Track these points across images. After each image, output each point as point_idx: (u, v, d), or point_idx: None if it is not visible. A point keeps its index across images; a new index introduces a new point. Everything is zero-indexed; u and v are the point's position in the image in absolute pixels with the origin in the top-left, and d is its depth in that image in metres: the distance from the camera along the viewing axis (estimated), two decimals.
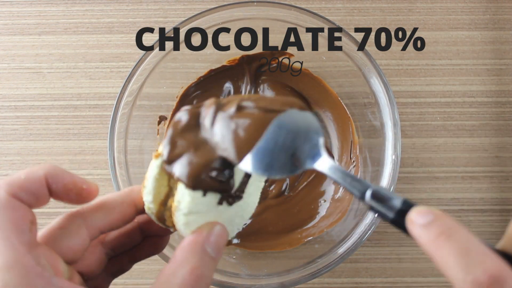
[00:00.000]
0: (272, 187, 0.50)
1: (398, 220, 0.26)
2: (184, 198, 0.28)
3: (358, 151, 0.49)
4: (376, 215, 0.30)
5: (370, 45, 0.53)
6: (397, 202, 0.27)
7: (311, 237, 0.47)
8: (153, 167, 0.30)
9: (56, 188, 0.28)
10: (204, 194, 0.28)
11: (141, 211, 0.31)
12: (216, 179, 0.28)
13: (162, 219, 0.30)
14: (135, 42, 0.53)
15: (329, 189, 0.49)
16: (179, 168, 0.29)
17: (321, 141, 0.30)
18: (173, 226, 0.30)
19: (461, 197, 0.51)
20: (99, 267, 0.31)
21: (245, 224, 0.30)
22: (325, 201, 0.49)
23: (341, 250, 0.42)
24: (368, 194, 0.27)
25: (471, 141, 0.52)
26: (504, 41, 0.53)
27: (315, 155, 0.29)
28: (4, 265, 0.25)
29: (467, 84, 0.53)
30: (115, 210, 0.30)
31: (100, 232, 0.30)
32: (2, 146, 0.52)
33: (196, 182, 0.28)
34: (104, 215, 0.30)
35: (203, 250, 0.28)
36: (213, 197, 0.29)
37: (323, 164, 0.29)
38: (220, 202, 0.29)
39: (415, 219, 0.26)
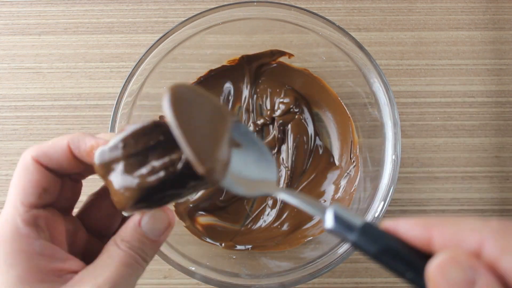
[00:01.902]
0: None
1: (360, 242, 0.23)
2: None
3: (358, 151, 0.49)
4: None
5: (370, 45, 0.53)
6: (357, 222, 0.24)
7: (311, 237, 0.47)
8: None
9: (78, 154, 0.29)
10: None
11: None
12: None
13: None
14: (135, 42, 0.53)
15: (329, 189, 0.49)
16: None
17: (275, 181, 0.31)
18: None
19: (461, 197, 0.51)
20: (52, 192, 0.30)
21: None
22: (325, 201, 0.49)
23: (341, 250, 0.42)
24: (328, 216, 0.25)
25: (471, 141, 0.52)
26: (504, 41, 0.53)
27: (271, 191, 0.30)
28: (1, 218, 0.28)
29: (467, 84, 0.53)
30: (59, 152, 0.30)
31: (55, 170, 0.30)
32: (2, 146, 0.52)
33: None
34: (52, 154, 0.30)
35: (138, 229, 0.28)
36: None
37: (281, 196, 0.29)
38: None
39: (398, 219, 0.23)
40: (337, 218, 0.24)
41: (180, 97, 0.27)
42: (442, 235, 0.21)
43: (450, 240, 0.21)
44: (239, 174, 0.30)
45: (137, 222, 0.28)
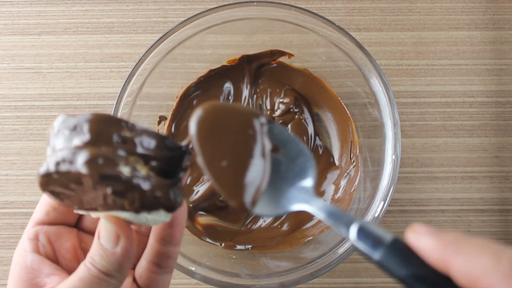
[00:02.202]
0: None
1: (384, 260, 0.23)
2: None
3: (358, 151, 0.49)
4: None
5: (370, 45, 0.53)
6: (387, 237, 0.23)
7: (311, 237, 0.47)
8: None
9: None
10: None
11: None
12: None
13: None
14: (135, 42, 0.53)
15: (329, 189, 0.49)
16: None
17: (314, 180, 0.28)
18: None
19: (461, 197, 0.51)
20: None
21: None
22: (325, 201, 0.49)
23: (341, 250, 0.42)
24: (353, 231, 0.24)
25: (471, 141, 0.52)
26: (504, 41, 0.53)
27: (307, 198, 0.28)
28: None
29: (467, 84, 0.53)
30: None
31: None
32: (2, 146, 0.52)
33: None
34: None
35: (98, 243, 0.28)
36: None
37: (315, 206, 0.27)
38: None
39: (420, 229, 0.22)
40: (362, 234, 0.24)
41: (206, 124, 0.27)
42: (458, 268, 0.21)
43: (467, 275, 0.21)
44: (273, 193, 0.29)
45: (97, 235, 0.28)
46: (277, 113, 0.51)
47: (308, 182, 0.29)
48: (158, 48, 0.44)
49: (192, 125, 0.27)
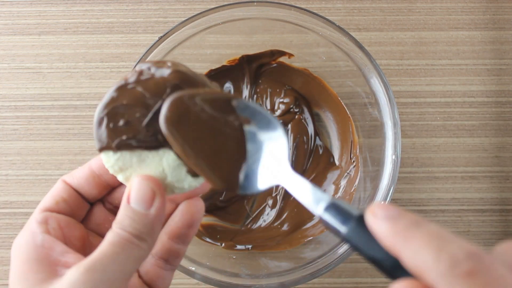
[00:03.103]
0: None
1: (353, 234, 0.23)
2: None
3: (358, 151, 0.49)
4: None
5: (370, 45, 0.53)
6: (354, 213, 0.24)
7: (311, 237, 0.47)
8: None
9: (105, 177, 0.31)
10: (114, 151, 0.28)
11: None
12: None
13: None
14: (135, 42, 0.53)
15: (329, 189, 0.49)
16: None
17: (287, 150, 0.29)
18: None
19: (461, 197, 0.51)
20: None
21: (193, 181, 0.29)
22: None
23: (341, 250, 0.42)
24: (321, 206, 0.25)
25: (471, 141, 0.52)
26: (504, 41, 0.53)
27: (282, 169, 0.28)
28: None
29: (467, 84, 0.53)
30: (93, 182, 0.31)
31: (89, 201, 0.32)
32: (2, 146, 0.52)
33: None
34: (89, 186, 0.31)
35: (127, 207, 0.27)
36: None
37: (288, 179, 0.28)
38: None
39: (378, 211, 0.22)
40: (332, 209, 0.24)
41: (178, 114, 0.27)
42: (407, 259, 0.21)
43: (414, 267, 0.21)
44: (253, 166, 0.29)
45: (125, 199, 0.27)
46: (277, 113, 0.51)
47: (281, 153, 0.29)
48: (158, 48, 0.44)
49: (162, 120, 0.27)
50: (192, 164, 0.27)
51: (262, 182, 0.29)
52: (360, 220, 0.23)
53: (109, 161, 0.28)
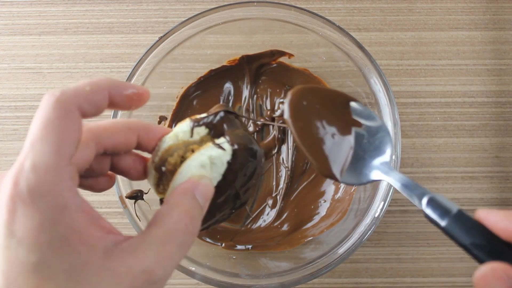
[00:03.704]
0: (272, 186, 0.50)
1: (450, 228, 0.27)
2: (211, 152, 0.31)
3: None
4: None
5: (370, 45, 0.53)
6: (453, 208, 0.27)
7: (311, 237, 0.47)
8: (183, 126, 0.33)
9: (119, 100, 0.29)
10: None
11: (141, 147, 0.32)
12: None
13: (159, 169, 0.32)
14: (135, 42, 0.53)
15: (329, 189, 0.49)
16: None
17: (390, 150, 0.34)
18: (160, 178, 0.32)
19: (461, 197, 0.51)
20: (87, 164, 0.30)
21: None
22: (325, 201, 0.49)
23: (341, 250, 0.42)
24: (424, 201, 0.28)
25: (471, 141, 0.52)
26: (504, 41, 0.53)
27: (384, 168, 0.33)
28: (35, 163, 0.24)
29: (467, 84, 0.53)
30: (121, 134, 0.31)
31: (105, 150, 0.30)
32: (2, 146, 0.52)
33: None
34: (112, 135, 0.30)
35: (194, 196, 0.29)
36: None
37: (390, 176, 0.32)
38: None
39: (488, 209, 0.26)
40: (432, 203, 0.28)
41: (297, 106, 0.33)
42: None
43: None
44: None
45: (193, 192, 0.29)
46: (277, 113, 0.51)
47: (386, 155, 0.34)
48: (158, 48, 0.44)
49: (286, 107, 0.33)
50: (306, 148, 0.32)
51: (365, 176, 0.33)
52: (457, 215, 0.26)
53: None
